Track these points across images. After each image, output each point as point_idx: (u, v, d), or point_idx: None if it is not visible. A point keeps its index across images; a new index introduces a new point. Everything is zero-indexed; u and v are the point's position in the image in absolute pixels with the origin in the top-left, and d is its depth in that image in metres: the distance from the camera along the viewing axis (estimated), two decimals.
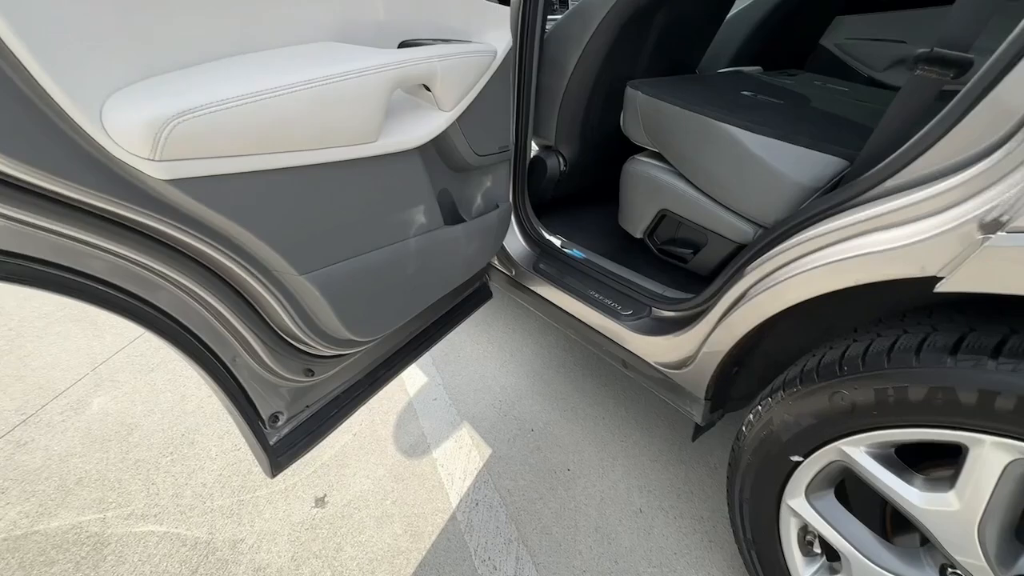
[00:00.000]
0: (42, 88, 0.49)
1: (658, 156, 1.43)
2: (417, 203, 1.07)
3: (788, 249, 0.91)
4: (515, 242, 1.68)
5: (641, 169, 1.44)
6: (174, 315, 0.81)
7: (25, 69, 0.48)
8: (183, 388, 1.85)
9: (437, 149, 1.12)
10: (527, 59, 1.42)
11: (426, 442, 1.67)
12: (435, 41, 1.00)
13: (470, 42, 1.09)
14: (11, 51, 0.47)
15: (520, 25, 1.34)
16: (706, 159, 1.25)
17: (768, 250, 0.95)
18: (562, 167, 1.75)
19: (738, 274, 1.03)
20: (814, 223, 0.88)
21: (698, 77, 1.57)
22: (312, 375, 1.08)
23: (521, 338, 2.16)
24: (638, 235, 1.52)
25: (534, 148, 1.79)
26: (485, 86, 1.15)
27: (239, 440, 1.63)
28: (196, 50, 0.62)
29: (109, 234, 0.64)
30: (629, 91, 1.41)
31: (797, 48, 2.33)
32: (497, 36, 1.18)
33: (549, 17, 1.69)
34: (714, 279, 1.13)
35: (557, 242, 1.63)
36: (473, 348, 2.08)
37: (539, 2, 1.32)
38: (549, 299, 1.59)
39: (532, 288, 1.64)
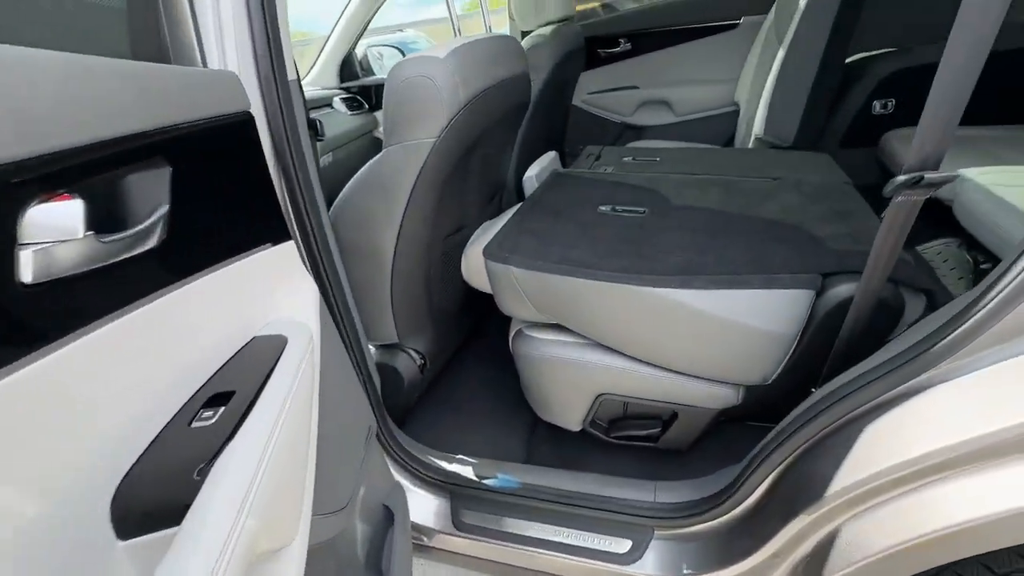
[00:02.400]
0: None
1: (554, 325, 1.08)
2: None
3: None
4: (411, 498, 1.14)
5: (547, 352, 1.07)
6: None
7: None
8: None
9: None
10: (329, 272, 0.91)
11: None
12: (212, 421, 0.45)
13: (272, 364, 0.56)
14: None
15: (307, 252, 0.83)
16: (643, 331, 0.94)
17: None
18: (419, 362, 1.27)
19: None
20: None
21: (537, 202, 1.28)
22: None
23: None
24: (575, 428, 1.15)
25: (372, 351, 1.27)
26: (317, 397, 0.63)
27: None
28: None
29: None
30: (494, 266, 1.02)
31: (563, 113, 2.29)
32: (296, 301, 0.67)
33: None
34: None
35: (469, 473, 1.15)
36: None
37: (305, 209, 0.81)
38: (497, 560, 1.10)
39: (464, 553, 1.13)
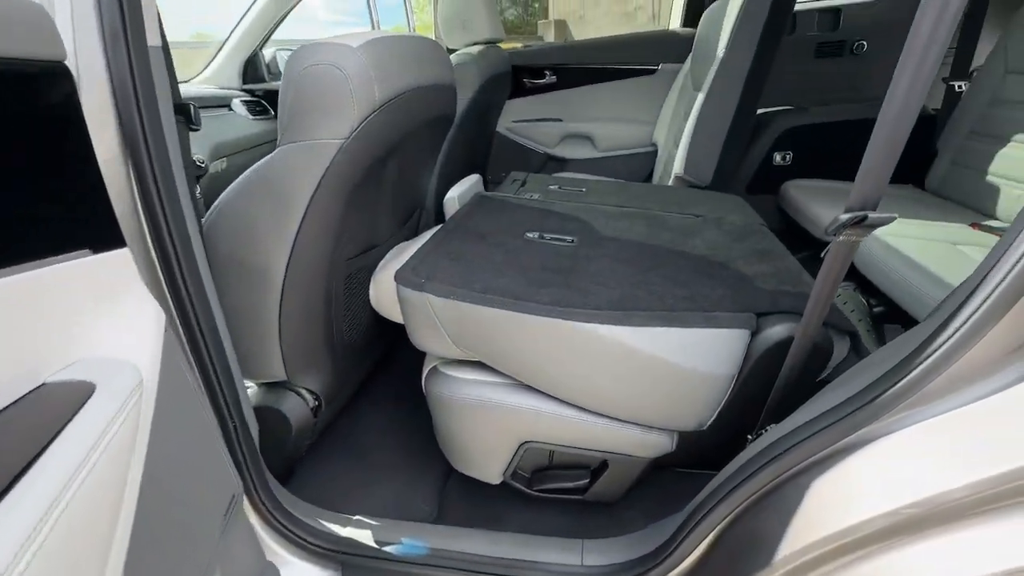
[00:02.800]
0: None
1: (475, 363, 0.95)
2: None
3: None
4: (291, 574, 0.93)
5: (466, 393, 0.93)
6: None
7: None
8: None
9: None
10: (194, 292, 0.72)
11: None
12: None
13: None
14: None
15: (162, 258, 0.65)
16: (575, 370, 0.85)
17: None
18: (312, 403, 1.07)
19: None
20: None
21: (459, 224, 1.16)
22: None
23: None
24: (495, 481, 1.01)
25: (251, 390, 1.05)
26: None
27: None
28: None
29: None
30: (408, 293, 0.88)
31: (488, 137, 2.22)
32: (125, 331, 0.49)
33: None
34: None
35: (367, 538, 0.96)
36: None
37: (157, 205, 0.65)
38: None
39: None
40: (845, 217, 0.64)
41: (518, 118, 2.48)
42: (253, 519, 0.92)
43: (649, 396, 0.84)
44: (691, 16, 2.45)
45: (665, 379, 0.82)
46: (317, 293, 0.96)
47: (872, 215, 0.63)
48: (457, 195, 1.51)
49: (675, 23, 2.67)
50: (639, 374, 0.83)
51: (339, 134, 0.81)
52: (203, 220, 0.88)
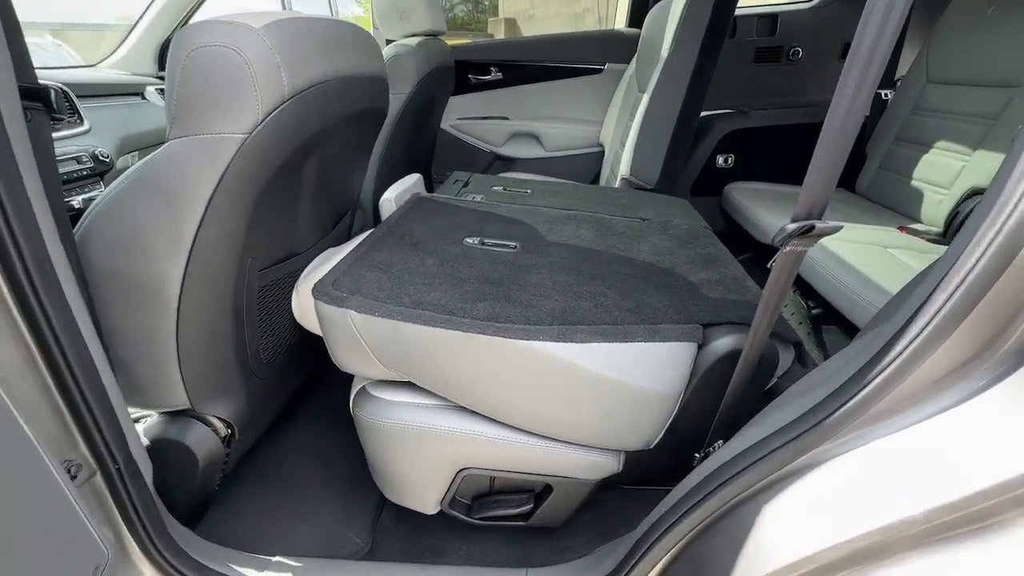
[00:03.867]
0: None
1: (406, 383, 0.87)
2: None
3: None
4: None
5: (397, 416, 0.84)
6: None
7: None
8: None
9: None
10: (53, 313, 0.60)
11: None
12: None
13: None
14: None
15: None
16: (514, 391, 0.78)
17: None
18: (223, 432, 0.95)
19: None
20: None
21: (392, 229, 1.07)
22: None
23: None
24: (431, 510, 0.92)
25: (145, 429, 0.91)
26: None
27: None
28: None
29: None
30: (327, 310, 0.78)
31: (431, 134, 2.12)
32: None
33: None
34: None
35: None
36: None
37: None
38: None
39: None
40: (792, 227, 0.61)
41: (463, 115, 2.39)
42: (149, 572, 0.79)
43: (593, 416, 0.78)
44: (636, 17, 2.45)
45: (610, 397, 0.77)
46: (223, 309, 0.84)
47: (819, 224, 0.60)
48: (394, 196, 1.40)
49: (620, 24, 2.67)
50: (583, 393, 0.77)
51: (239, 128, 0.70)
52: (76, 228, 0.74)
